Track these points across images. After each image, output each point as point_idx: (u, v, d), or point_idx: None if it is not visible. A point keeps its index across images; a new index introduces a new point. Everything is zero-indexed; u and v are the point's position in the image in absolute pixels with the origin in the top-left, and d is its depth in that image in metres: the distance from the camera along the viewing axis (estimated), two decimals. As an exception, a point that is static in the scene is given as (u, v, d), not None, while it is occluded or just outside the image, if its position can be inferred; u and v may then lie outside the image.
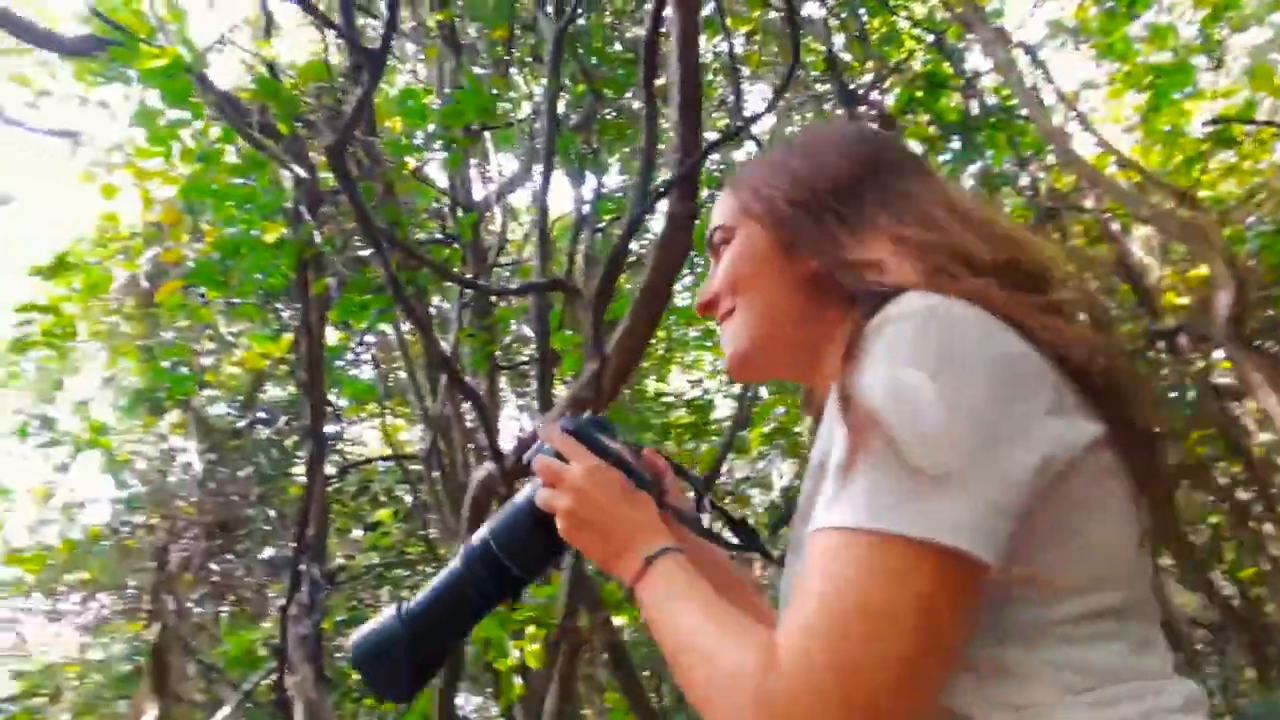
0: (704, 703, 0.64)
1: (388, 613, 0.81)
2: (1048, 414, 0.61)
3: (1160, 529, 0.68)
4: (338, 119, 3.89)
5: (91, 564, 5.80)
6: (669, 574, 0.71)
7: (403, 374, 6.61)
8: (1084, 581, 0.63)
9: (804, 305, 0.75)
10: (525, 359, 6.09)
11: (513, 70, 5.37)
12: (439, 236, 4.75)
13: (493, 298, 4.63)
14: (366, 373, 6.79)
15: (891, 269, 0.69)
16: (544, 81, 5.55)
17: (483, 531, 0.81)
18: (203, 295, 5.33)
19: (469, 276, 4.05)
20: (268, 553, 6.30)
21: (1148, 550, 0.67)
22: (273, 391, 6.91)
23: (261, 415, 6.20)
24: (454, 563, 0.81)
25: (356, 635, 0.81)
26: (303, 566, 4.13)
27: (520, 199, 6.27)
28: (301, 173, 3.30)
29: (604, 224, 5.29)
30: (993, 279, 0.66)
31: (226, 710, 4.49)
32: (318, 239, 3.98)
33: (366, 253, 4.55)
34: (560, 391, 3.64)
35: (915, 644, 0.57)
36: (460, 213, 4.51)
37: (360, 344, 5.81)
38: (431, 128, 4.22)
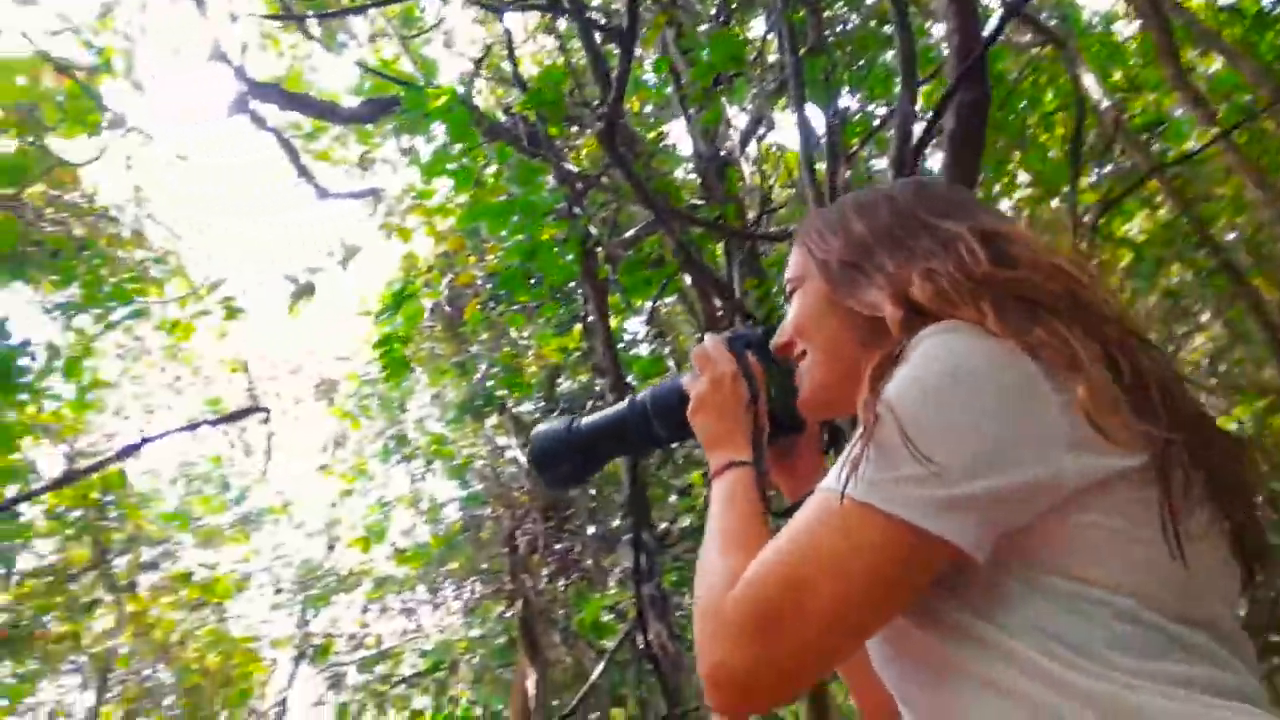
0: (694, 603, 0.75)
1: (561, 423, 1.00)
2: (1063, 438, 0.66)
3: (1245, 549, 0.71)
4: (589, 110, 4.07)
5: (458, 555, 6.70)
6: (729, 484, 0.83)
7: (683, 342, 6.83)
8: (1139, 590, 0.65)
9: (861, 345, 0.82)
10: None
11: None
12: (698, 200, 4.82)
13: (760, 246, 4.60)
14: (643, 350, 7.13)
15: (927, 306, 0.75)
16: (755, 24, 5.42)
17: (647, 392, 0.99)
18: (495, 306, 5.90)
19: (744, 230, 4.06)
20: (593, 528, 6.87)
21: (1218, 570, 0.70)
22: (564, 384, 7.50)
23: (564, 406, 6.74)
24: (622, 404, 1.00)
25: (535, 433, 1.01)
26: (635, 535, 4.41)
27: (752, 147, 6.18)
28: (573, 168, 3.48)
29: (854, 149, 5.04)
30: (1030, 307, 0.71)
31: (600, 669, 4.97)
32: (593, 231, 4.21)
33: (630, 233, 4.75)
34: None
35: (847, 591, 0.65)
36: (714, 171, 4.53)
37: (650, 321, 6.08)
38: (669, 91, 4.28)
